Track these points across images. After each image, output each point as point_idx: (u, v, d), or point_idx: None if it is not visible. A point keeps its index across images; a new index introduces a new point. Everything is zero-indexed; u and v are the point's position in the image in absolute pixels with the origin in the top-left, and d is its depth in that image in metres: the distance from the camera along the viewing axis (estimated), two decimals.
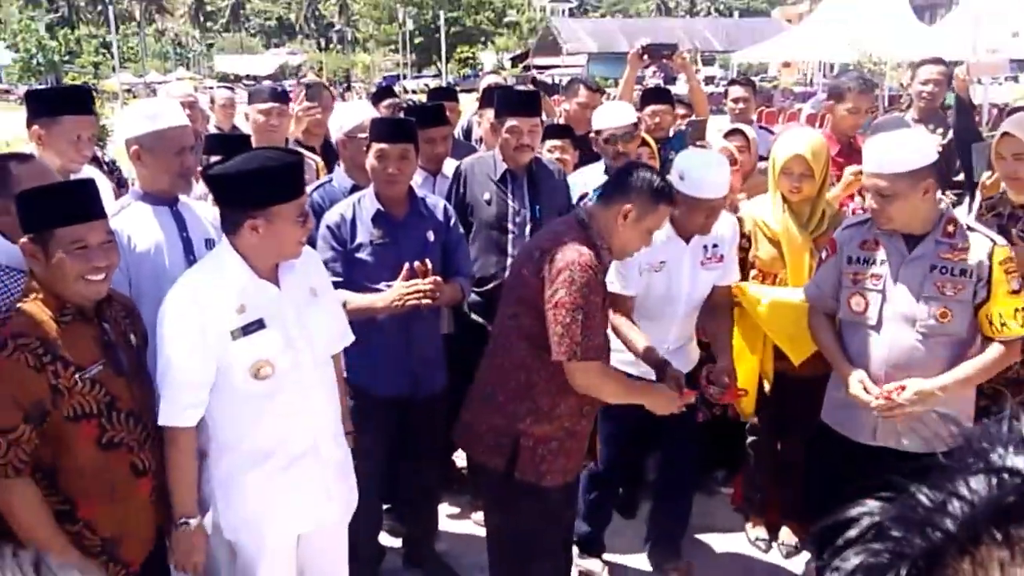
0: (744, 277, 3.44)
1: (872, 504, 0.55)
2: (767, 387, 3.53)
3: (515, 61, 43.32)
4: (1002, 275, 2.63)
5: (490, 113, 4.19)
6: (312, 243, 3.30)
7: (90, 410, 2.13)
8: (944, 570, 0.48)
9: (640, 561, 3.58)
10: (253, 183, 2.27)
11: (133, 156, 2.80)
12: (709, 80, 26.95)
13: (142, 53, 57.59)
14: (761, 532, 3.83)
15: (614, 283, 2.98)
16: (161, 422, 2.29)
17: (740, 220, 3.45)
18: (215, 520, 2.44)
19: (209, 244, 2.94)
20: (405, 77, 42.93)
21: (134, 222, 2.76)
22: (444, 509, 3.95)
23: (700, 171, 2.99)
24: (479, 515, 3.53)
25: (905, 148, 2.63)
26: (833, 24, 15.72)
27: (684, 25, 46.82)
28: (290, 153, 2.46)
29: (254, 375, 2.32)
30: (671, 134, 4.59)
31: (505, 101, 3.75)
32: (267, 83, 4.85)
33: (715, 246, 3.22)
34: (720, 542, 3.87)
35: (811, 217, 3.33)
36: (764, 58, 19.28)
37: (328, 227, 3.13)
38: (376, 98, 5.26)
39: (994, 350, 2.67)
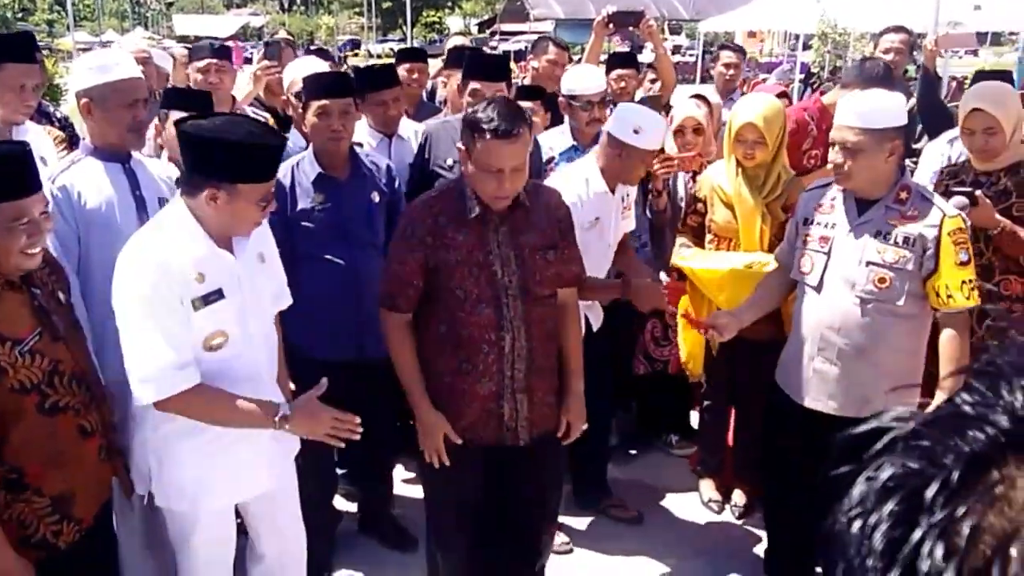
0: (701, 241, 3.50)
1: (903, 410, 0.52)
2: (713, 351, 3.61)
3: (482, 27, 42.82)
4: (950, 246, 2.62)
5: (458, 74, 4.14)
6: None
7: (35, 381, 2.09)
8: (988, 476, 0.45)
9: (642, 563, 3.62)
10: (226, 153, 2.17)
11: (83, 109, 2.72)
12: (676, 49, 26.87)
13: (98, 11, 56.02)
14: (714, 494, 3.91)
15: None
16: (165, 394, 2.18)
17: (698, 184, 3.51)
18: (152, 488, 2.38)
19: (163, 203, 2.87)
20: (369, 41, 42.23)
21: (84, 178, 2.70)
22: (400, 474, 3.96)
23: (652, 124, 3.12)
24: None
25: (879, 105, 2.64)
26: None
27: None
28: (273, 134, 2.35)
29: (207, 347, 2.25)
30: (636, 99, 4.57)
31: (472, 64, 3.70)
32: (207, 41, 4.64)
33: (628, 195, 3.36)
34: (675, 503, 3.94)
35: (765, 182, 3.36)
36: (730, 27, 19.21)
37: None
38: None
39: (946, 337, 2.67)
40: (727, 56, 5.27)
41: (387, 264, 2.62)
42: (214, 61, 4.09)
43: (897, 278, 2.66)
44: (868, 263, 2.68)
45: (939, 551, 0.44)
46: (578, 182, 3.16)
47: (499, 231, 2.55)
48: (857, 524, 0.49)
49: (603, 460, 3.88)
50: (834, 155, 2.68)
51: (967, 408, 0.49)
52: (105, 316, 2.75)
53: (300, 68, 3.90)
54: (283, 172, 3.08)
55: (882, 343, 2.72)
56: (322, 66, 3.86)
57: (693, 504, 3.93)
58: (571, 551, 3.56)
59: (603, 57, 5.03)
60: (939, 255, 2.61)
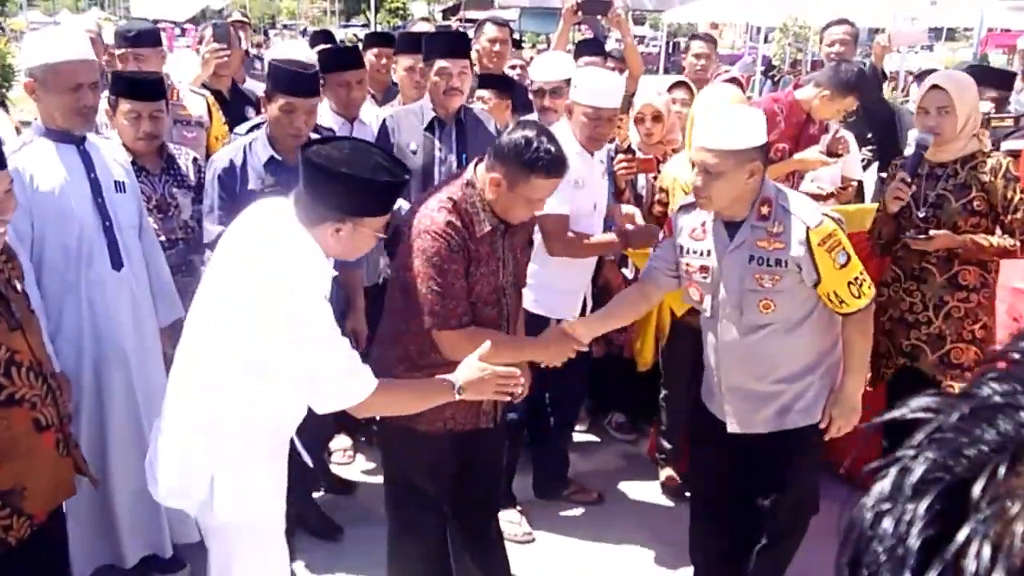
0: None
1: (938, 400, 0.49)
2: (662, 341, 3.70)
3: (446, 13, 42.53)
4: (824, 255, 2.54)
5: (406, 60, 4.08)
6: (200, 188, 3.20)
7: None
8: None
9: (604, 550, 3.63)
10: (358, 190, 2.08)
11: (27, 89, 2.64)
12: (640, 40, 26.96)
13: None
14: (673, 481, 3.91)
15: (550, 202, 2.85)
16: (374, 384, 2.17)
17: (660, 175, 3.54)
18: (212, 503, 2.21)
19: (119, 187, 2.82)
20: (332, 25, 41.74)
21: (36, 160, 2.63)
22: (360, 464, 3.93)
23: (610, 82, 3.23)
24: None
25: (738, 126, 2.55)
26: None
27: None
28: (400, 166, 2.26)
29: None
30: None
31: (434, 43, 3.67)
32: (139, 23, 4.39)
33: (602, 161, 3.42)
34: (634, 491, 3.96)
35: None
36: (693, 19, 19.31)
37: (216, 173, 3.01)
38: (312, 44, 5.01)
39: (848, 338, 2.67)
40: (698, 46, 5.05)
41: (441, 290, 2.46)
42: (130, 50, 3.74)
43: (780, 299, 2.60)
44: (749, 291, 2.60)
45: (987, 550, 0.42)
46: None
47: (498, 235, 2.59)
48: (889, 520, 0.46)
49: (565, 452, 3.89)
50: (695, 178, 2.59)
51: (998, 399, 0.47)
52: (61, 302, 2.71)
53: (282, 50, 3.80)
54: (236, 151, 3.05)
55: (785, 361, 2.68)
56: (304, 49, 3.75)
57: (653, 492, 3.95)
58: (533, 540, 3.56)
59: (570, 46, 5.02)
60: (817, 267, 2.54)
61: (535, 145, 2.41)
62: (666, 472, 3.97)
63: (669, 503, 3.88)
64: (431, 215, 2.48)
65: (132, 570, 3.04)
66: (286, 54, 3.52)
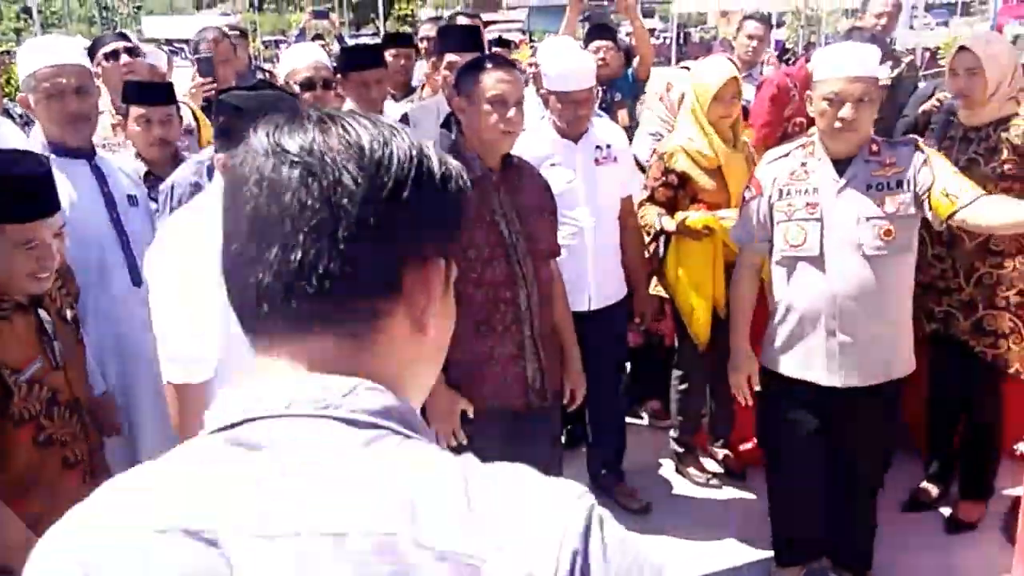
0: (672, 214, 3.41)
1: None
2: (721, 315, 3.43)
3: (453, 17, 42.66)
4: (937, 157, 2.66)
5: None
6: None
7: (33, 412, 1.96)
8: None
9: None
10: None
11: (23, 105, 2.60)
12: (650, 32, 26.88)
13: (65, 18, 55.44)
14: (695, 465, 3.86)
15: None
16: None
17: (669, 156, 3.38)
18: None
19: (132, 200, 2.80)
20: (341, 37, 41.91)
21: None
22: None
23: (574, 64, 3.18)
24: None
25: (868, 55, 2.60)
26: None
27: None
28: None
29: None
30: (619, 75, 4.51)
31: (445, 37, 3.64)
32: (110, 37, 4.17)
33: (608, 146, 3.31)
34: (678, 479, 3.89)
35: (738, 142, 3.40)
36: (701, 8, 19.22)
37: (181, 200, 2.85)
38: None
39: (993, 205, 2.57)
40: (751, 27, 4.87)
41: None
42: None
43: (902, 226, 2.61)
44: (869, 218, 2.60)
45: None
46: (528, 132, 3.06)
47: (500, 191, 2.57)
48: None
49: (622, 442, 3.72)
50: (846, 111, 2.55)
51: None
52: (83, 322, 2.67)
53: (293, 56, 3.71)
54: (199, 172, 2.92)
55: (895, 297, 2.69)
56: (316, 53, 3.68)
57: (671, 475, 3.91)
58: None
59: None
60: (932, 168, 2.60)
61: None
62: (722, 453, 3.90)
63: (693, 488, 3.82)
64: None
65: None
66: (287, 65, 3.46)
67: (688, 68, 4.16)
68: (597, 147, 3.29)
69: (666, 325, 3.86)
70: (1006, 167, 3.06)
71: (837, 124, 2.58)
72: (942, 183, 2.58)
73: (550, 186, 2.80)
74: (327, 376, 0.71)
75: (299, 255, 0.69)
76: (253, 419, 0.69)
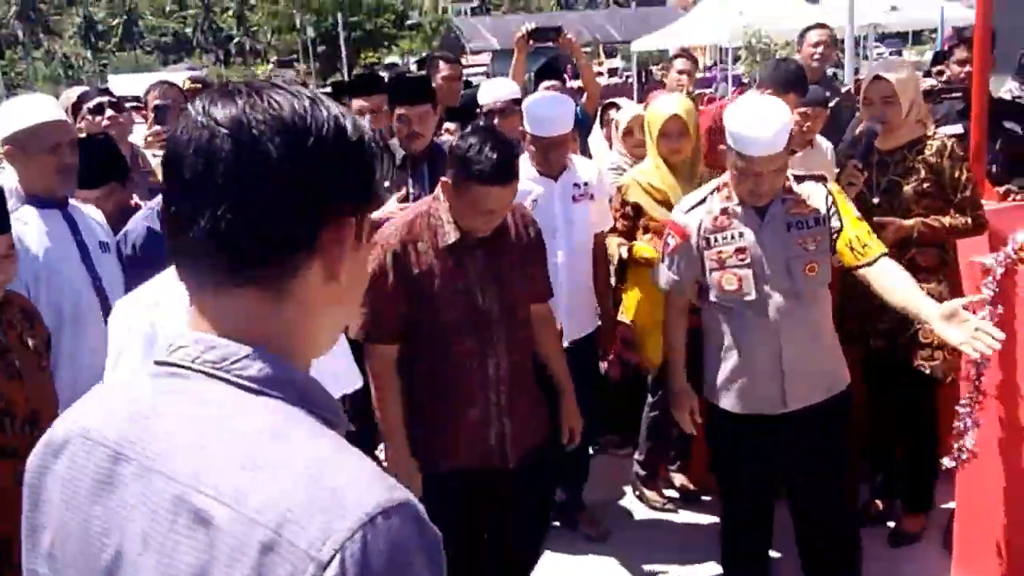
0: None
1: None
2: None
3: (420, 64, 43.04)
4: (844, 202, 2.75)
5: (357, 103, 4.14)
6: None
7: None
8: None
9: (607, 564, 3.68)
10: None
11: (8, 156, 2.72)
12: (613, 72, 27.31)
13: (31, 78, 55.39)
14: (655, 491, 3.99)
15: None
16: None
17: (625, 188, 3.59)
18: None
19: (104, 247, 2.89)
20: (306, 86, 42.20)
21: (24, 227, 2.70)
22: None
23: (545, 111, 3.35)
24: None
25: (780, 126, 2.61)
26: (723, 7, 16.18)
27: (582, 18, 47.38)
28: None
29: None
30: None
31: (396, 90, 3.80)
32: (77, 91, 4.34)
33: (585, 184, 3.46)
34: (639, 506, 4.02)
35: (692, 177, 3.46)
36: (660, 45, 19.66)
37: (135, 246, 2.94)
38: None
39: (892, 278, 2.64)
40: (680, 63, 5.35)
41: (371, 301, 2.40)
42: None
43: (820, 260, 2.73)
44: (794, 257, 2.70)
45: None
46: None
47: (475, 253, 2.52)
48: None
49: (584, 475, 3.82)
50: (756, 185, 2.64)
51: None
52: (54, 368, 2.74)
53: None
54: (145, 215, 2.98)
55: (826, 322, 2.84)
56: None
57: (631, 502, 4.04)
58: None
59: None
60: (840, 214, 2.72)
61: (477, 150, 2.34)
62: (680, 479, 4.02)
63: (650, 512, 3.95)
64: (387, 226, 2.57)
65: None
66: None
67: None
68: (575, 184, 3.44)
69: (639, 355, 3.96)
70: (925, 185, 3.24)
71: (750, 190, 2.68)
72: (850, 233, 2.70)
73: (536, 224, 2.75)
74: (231, 344, 0.84)
75: (229, 217, 0.80)
76: (170, 364, 0.86)
